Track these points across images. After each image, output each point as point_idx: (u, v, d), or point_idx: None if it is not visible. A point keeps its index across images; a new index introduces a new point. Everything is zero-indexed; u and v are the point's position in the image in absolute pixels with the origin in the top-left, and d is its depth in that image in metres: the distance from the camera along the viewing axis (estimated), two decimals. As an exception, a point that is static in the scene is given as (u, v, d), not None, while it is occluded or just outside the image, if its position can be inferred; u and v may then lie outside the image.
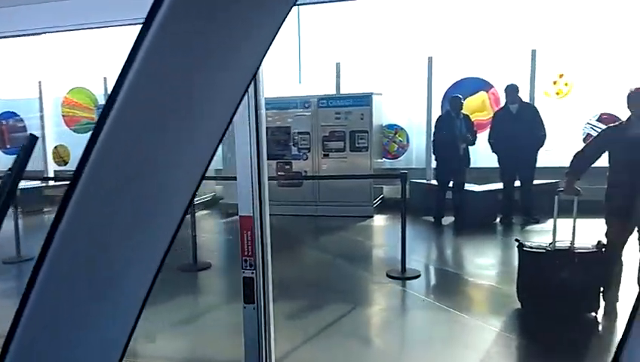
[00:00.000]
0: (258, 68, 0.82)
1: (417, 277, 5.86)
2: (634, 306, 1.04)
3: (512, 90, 7.65)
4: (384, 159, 9.55)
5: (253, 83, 2.08)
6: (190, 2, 0.70)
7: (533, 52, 8.61)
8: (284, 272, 6.26)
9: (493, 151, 7.83)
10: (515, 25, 8.53)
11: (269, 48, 0.80)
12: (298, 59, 15.95)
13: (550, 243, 4.70)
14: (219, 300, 5.65)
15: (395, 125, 9.60)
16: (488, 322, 4.70)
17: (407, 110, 9.54)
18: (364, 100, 8.71)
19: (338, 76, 9.76)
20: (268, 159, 9.31)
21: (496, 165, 8.12)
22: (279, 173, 9.08)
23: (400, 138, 9.58)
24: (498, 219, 7.91)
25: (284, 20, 0.78)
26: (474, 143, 7.96)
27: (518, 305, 4.78)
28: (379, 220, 8.56)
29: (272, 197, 9.67)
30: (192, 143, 0.78)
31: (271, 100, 9.35)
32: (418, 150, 9.49)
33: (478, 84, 8.92)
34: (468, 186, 8.06)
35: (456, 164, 7.85)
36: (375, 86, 9.21)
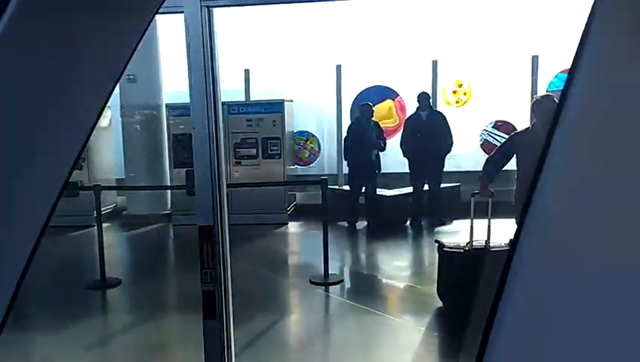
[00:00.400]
0: (122, 73, 0.81)
1: (340, 282, 5.92)
2: (494, 301, 1.13)
3: (423, 98, 8.01)
4: (296, 166, 9.56)
5: (212, 87, 1.97)
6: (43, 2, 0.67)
7: (434, 62, 9.09)
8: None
9: (404, 156, 8.14)
10: (417, 35, 8.96)
11: (132, 55, 0.79)
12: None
13: (467, 243, 4.94)
14: (134, 320, 5.28)
15: (307, 132, 9.67)
16: (414, 322, 4.85)
17: (317, 117, 9.65)
18: (276, 107, 8.67)
19: (247, 83, 9.64)
20: (175, 167, 8.88)
21: (403, 170, 8.47)
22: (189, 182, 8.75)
23: (311, 145, 9.66)
24: (408, 222, 8.22)
25: (147, 27, 0.79)
26: (384, 149, 8.22)
27: (440, 304, 4.96)
28: (294, 227, 8.54)
29: (181, 207, 9.25)
30: (48, 151, 0.75)
31: (177, 106, 9.01)
32: (329, 156, 9.62)
33: (385, 92, 9.25)
34: (379, 191, 8.29)
35: (368, 170, 8.06)
36: (285, 92, 9.20)
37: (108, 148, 9.65)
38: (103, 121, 9.53)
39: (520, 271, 1.15)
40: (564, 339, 1.17)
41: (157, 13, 0.78)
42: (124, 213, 9.28)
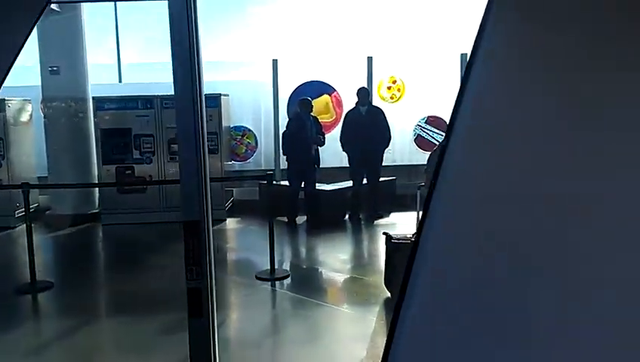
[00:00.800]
0: (12, 64, 0.80)
1: (287, 276, 5.90)
2: (398, 299, 1.24)
3: (363, 93, 8.14)
4: (233, 161, 9.42)
5: (197, 78, 1.91)
6: None
7: (370, 58, 9.27)
8: (150, 283, 5.84)
9: (344, 151, 8.23)
10: (353, 31, 9.10)
11: (22, 45, 0.78)
12: (117, 57, 14.95)
13: (414, 234, 5.10)
14: (71, 323, 4.99)
15: (243, 127, 9.54)
16: (364, 312, 4.94)
17: (254, 112, 9.55)
18: (212, 101, 8.47)
19: (180, 76, 9.35)
20: (104, 164, 8.48)
21: (340, 164, 8.59)
22: (123, 179, 8.44)
23: (248, 140, 9.55)
24: (347, 216, 8.34)
25: (37, 20, 0.78)
26: (324, 144, 8.28)
27: (388, 294, 5.08)
28: (232, 223, 8.42)
29: (113, 206, 8.87)
30: None
31: (106, 99, 8.62)
32: (266, 152, 9.56)
33: (322, 88, 9.30)
34: (318, 186, 8.34)
35: (308, 165, 8.08)
36: (221, 86, 9.02)
37: (29, 145, 9.05)
38: (23, 116, 8.94)
39: (423, 262, 1.24)
40: (465, 324, 1.28)
41: (51, 2, 0.73)
42: (47, 212, 8.74)
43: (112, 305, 5.66)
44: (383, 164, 8.47)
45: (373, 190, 8.26)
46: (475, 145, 1.26)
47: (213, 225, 7.20)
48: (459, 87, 1.34)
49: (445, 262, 1.27)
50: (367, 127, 8.02)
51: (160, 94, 8.59)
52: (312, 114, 8.21)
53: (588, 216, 1.29)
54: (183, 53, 1.79)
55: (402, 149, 9.38)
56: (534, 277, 1.28)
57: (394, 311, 1.23)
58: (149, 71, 10.65)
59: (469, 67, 1.28)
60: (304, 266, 6.73)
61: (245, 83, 9.52)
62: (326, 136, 8.58)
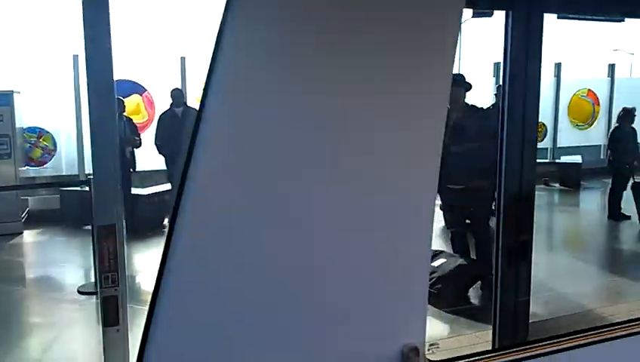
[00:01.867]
0: None
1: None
2: (151, 300, 1.51)
3: (177, 95, 7.94)
4: (27, 167, 8.34)
5: (110, 69, 1.79)
6: None
7: (183, 59, 9.10)
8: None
9: (160, 153, 7.93)
10: (164, 32, 8.84)
11: None
12: None
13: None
14: None
15: (39, 128, 8.51)
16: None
17: (51, 112, 8.57)
18: (2, 99, 7.43)
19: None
20: None
21: (157, 167, 8.29)
22: None
23: (45, 143, 8.53)
24: (167, 220, 8.07)
25: None
26: (140, 145, 7.88)
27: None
28: (32, 236, 7.49)
29: None
30: None
31: None
32: (68, 156, 8.69)
33: (132, 87, 8.82)
34: (134, 190, 7.92)
35: (123, 168, 7.60)
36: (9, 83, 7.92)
37: None
38: None
39: (174, 264, 1.45)
40: (209, 314, 1.48)
41: None
42: None
43: None
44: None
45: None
46: (216, 147, 1.42)
47: (9, 240, 6.47)
48: (203, 87, 1.46)
49: (189, 258, 1.42)
50: (183, 128, 7.86)
51: None
52: (124, 114, 7.76)
53: (313, 215, 1.49)
54: (96, 45, 1.69)
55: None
56: (267, 272, 1.49)
57: (149, 307, 1.36)
58: None
59: (210, 70, 1.40)
60: (131, 274, 6.36)
61: (42, 80, 8.45)
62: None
